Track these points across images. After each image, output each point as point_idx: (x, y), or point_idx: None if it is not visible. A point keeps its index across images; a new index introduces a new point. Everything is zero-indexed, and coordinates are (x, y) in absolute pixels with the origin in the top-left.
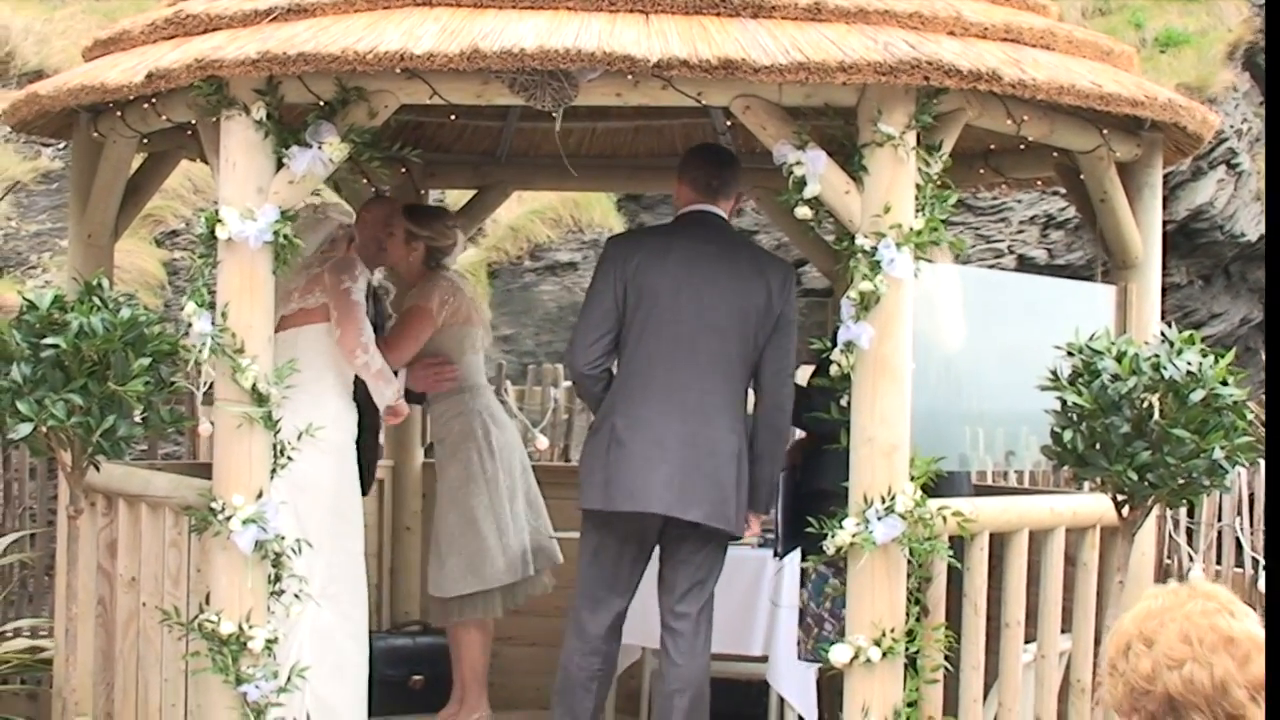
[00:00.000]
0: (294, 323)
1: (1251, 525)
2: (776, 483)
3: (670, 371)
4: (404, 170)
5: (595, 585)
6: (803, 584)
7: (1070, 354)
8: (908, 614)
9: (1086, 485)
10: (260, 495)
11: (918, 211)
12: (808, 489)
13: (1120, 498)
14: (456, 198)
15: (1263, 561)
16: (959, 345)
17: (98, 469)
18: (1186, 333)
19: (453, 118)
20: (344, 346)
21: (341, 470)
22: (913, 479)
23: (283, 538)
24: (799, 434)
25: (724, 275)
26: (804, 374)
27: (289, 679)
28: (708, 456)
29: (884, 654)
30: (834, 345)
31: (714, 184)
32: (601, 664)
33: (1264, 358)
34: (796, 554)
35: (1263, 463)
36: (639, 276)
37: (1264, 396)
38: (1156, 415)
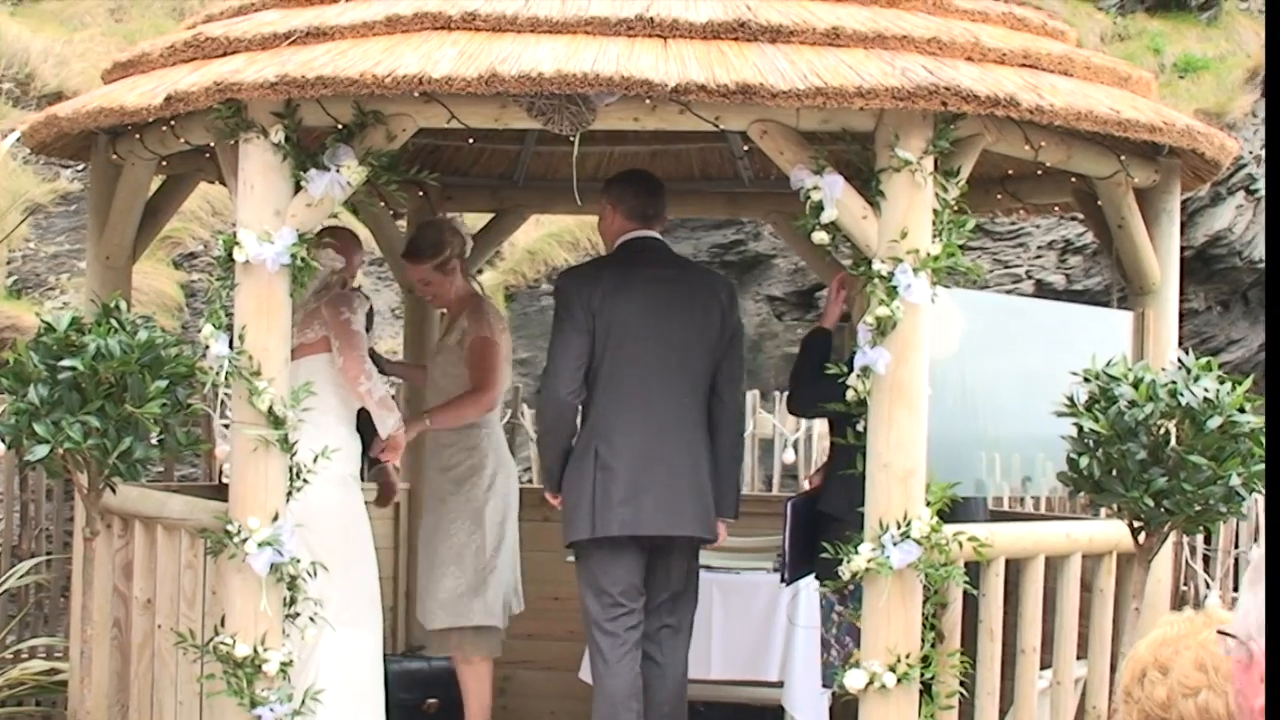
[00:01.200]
0: (295, 356)
1: None
2: (740, 486)
3: (646, 394)
4: (421, 194)
5: (602, 612)
6: (821, 607)
7: (1087, 380)
8: (923, 640)
9: (1103, 511)
10: (276, 518)
11: (935, 237)
12: (820, 510)
13: (1136, 524)
14: (474, 221)
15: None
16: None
17: (114, 491)
18: (1203, 359)
19: (470, 141)
20: (348, 375)
21: (348, 499)
22: (929, 504)
23: (298, 560)
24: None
25: (683, 297)
26: None
27: (304, 702)
28: (691, 472)
29: (899, 680)
30: (849, 370)
31: (649, 213)
32: (636, 683)
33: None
34: (811, 577)
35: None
36: (606, 308)
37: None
38: (1173, 442)
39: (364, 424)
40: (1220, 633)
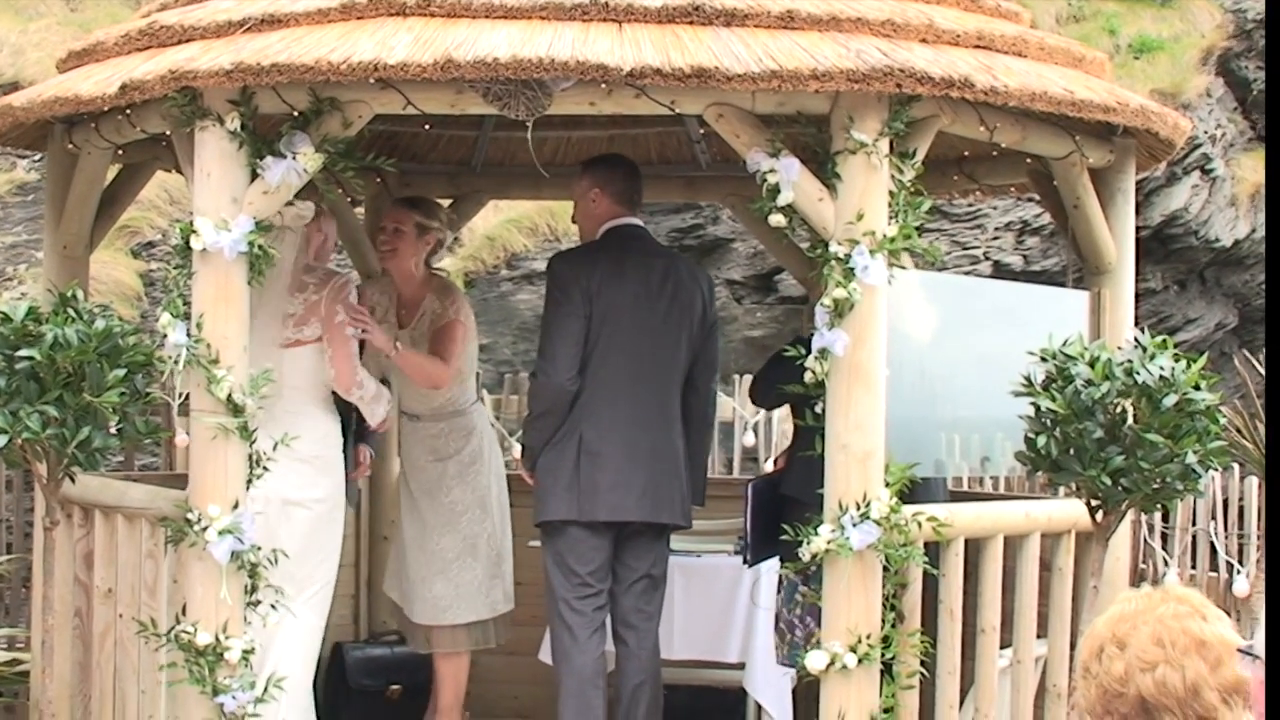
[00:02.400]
0: (292, 344)
1: (1225, 530)
2: (706, 473)
3: (635, 383)
4: (379, 180)
5: (570, 591)
6: (779, 589)
7: (1044, 359)
8: (883, 620)
9: (1061, 490)
10: (236, 506)
11: (891, 218)
12: (782, 494)
13: (1094, 503)
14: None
15: (1236, 565)
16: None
17: (73, 480)
18: (1159, 338)
19: (427, 127)
20: (339, 385)
21: (334, 486)
22: (888, 485)
23: (259, 548)
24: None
25: (672, 287)
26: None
27: (266, 689)
28: (672, 460)
29: (860, 660)
30: (808, 352)
31: (635, 198)
32: (601, 662)
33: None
34: (774, 560)
35: (1237, 467)
36: (603, 294)
37: (1239, 400)
38: (1130, 420)
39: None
40: (1241, 651)
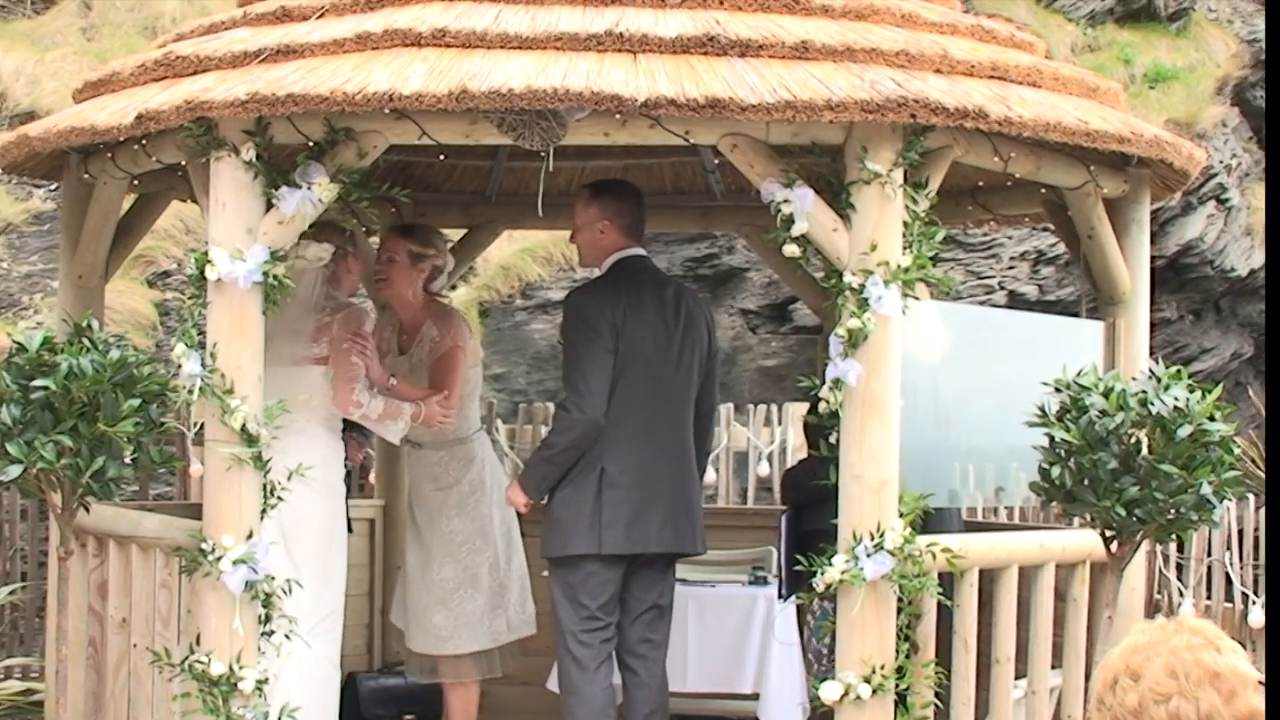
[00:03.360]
0: (300, 362)
1: (1241, 560)
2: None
3: (656, 415)
4: (394, 210)
5: (579, 624)
6: (803, 621)
7: (1058, 390)
8: (897, 651)
9: (1076, 521)
10: (250, 536)
11: (905, 248)
12: (806, 529)
13: (1109, 533)
14: (447, 237)
15: (1252, 596)
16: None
17: (88, 510)
18: (1173, 368)
19: (442, 157)
20: (337, 404)
21: (333, 508)
22: (902, 515)
23: (273, 578)
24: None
25: (684, 320)
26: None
27: (280, 718)
28: (692, 491)
29: (874, 691)
30: (822, 382)
31: (639, 228)
32: (610, 692)
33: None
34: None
35: (1252, 498)
36: (627, 327)
37: (1254, 430)
38: (1144, 451)
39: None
40: (1262, 684)
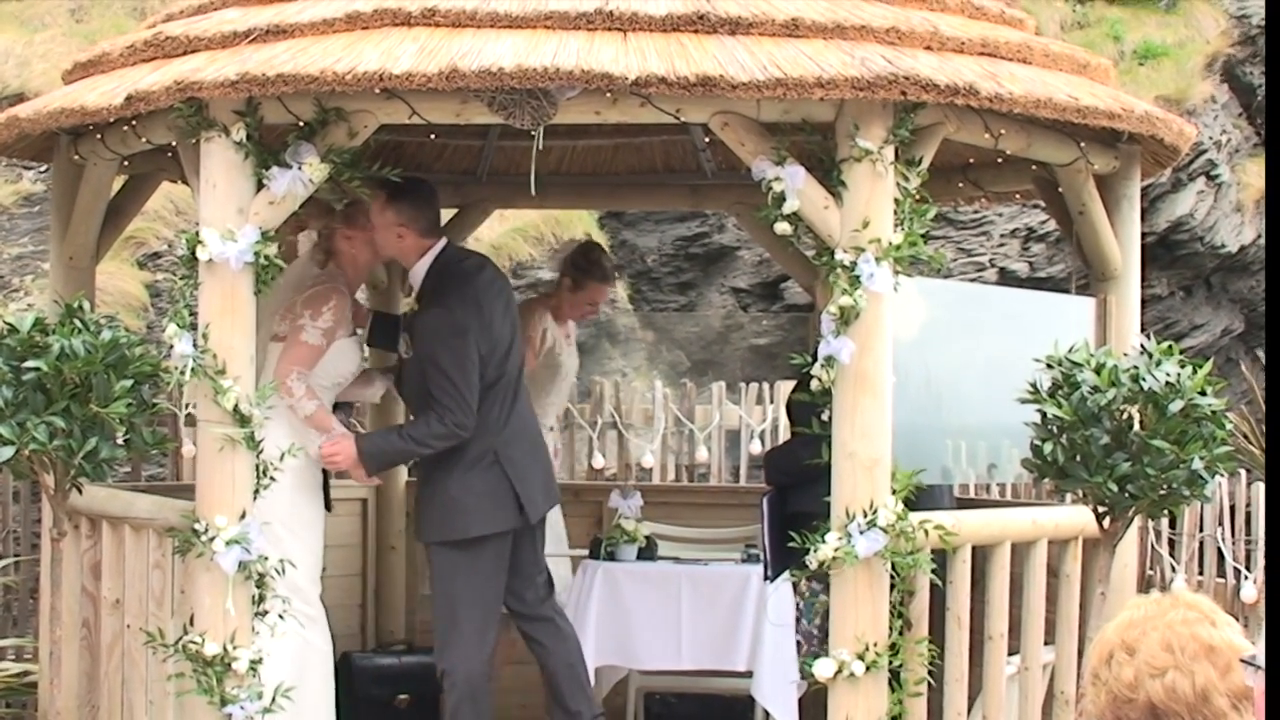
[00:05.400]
0: (271, 340)
1: (1233, 535)
2: None
3: (515, 395)
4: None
5: (491, 603)
6: (796, 600)
7: (1049, 366)
8: (891, 628)
9: (1068, 497)
10: (243, 516)
11: (897, 226)
12: (792, 510)
13: (1101, 509)
14: None
15: (1244, 571)
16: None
17: (80, 491)
18: (1165, 344)
19: (432, 137)
20: (277, 374)
21: (301, 489)
22: (894, 493)
23: (265, 558)
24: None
25: (509, 292)
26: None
27: (274, 700)
28: (547, 453)
29: (867, 668)
30: (814, 360)
31: (438, 221)
32: (489, 667)
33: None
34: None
35: (1244, 473)
36: (491, 328)
37: (1245, 405)
38: (1136, 426)
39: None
40: (1244, 661)
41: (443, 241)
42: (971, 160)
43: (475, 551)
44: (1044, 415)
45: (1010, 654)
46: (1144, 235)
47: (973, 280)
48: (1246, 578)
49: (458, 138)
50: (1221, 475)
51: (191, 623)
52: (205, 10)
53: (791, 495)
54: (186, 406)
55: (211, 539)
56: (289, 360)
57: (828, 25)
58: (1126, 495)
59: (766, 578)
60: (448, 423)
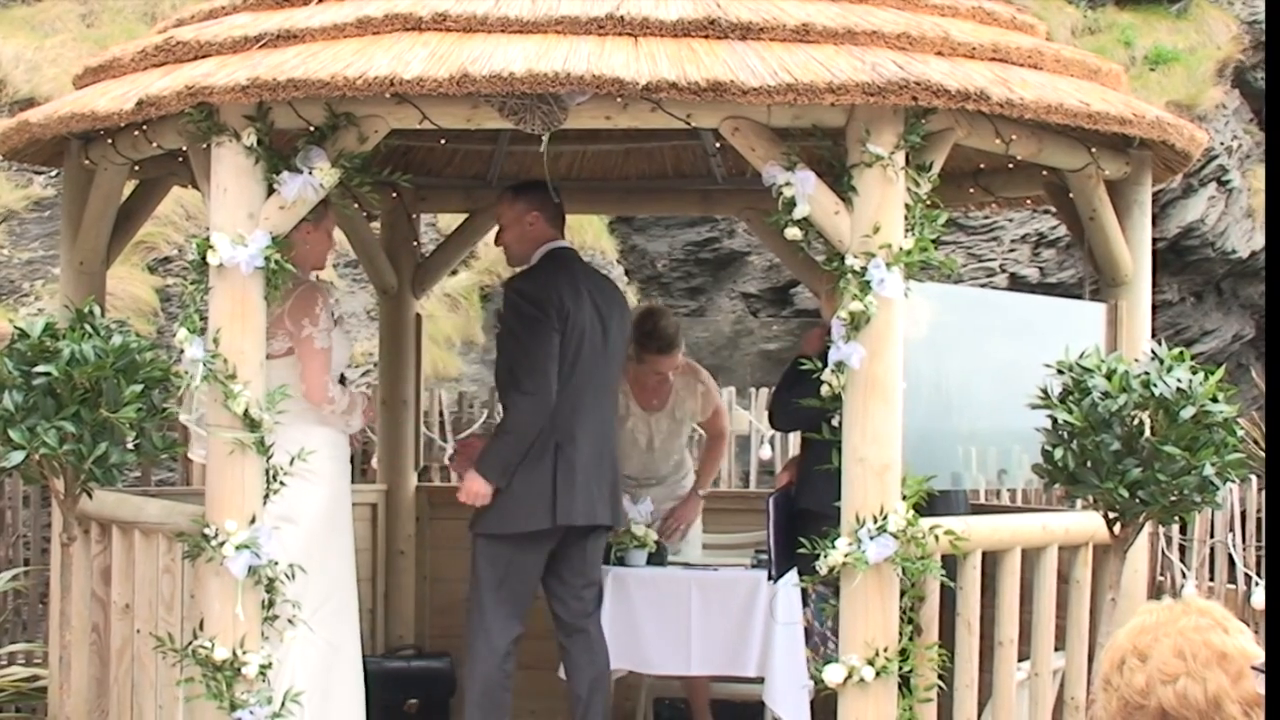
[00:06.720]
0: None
1: (1244, 542)
2: None
3: (594, 397)
4: (395, 195)
5: (512, 602)
6: (805, 603)
7: (1060, 372)
8: (901, 633)
9: (1079, 503)
10: (253, 521)
11: (907, 231)
12: (795, 509)
13: (1112, 515)
14: (448, 222)
15: (1255, 577)
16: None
17: (90, 496)
18: (1176, 350)
19: (443, 142)
20: (311, 399)
21: (335, 499)
22: (904, 498)
23: (276, 563)
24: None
25: (613, 307)
26: None
27: (283, 704)
28: (618, 467)
29: (877, 673)
30: (825, 365)
31: (562, 222)
32: (511, 668)
33: (1264, 366)
34: (792, 573)
35: (1255, 479)
36: (573, 314)
37: (1256, 411)
38: (1147, 432)
39: None
40: (1255, 668)
41: (565, 242)
42: (982, 165)
43: (498, 547)
44: (1055, 421)
45: (1020, 660)
46: (1155, 241)
47: (983, 285)
48: (1257, 584)
49: (468, 143)
50: (1232, 481)
51: (201, 627)
52: (216, 15)
53: (799, 494)
54: (194, 410)
55: (221, 544)
56: (317, 372)
57: (838, 30)
58: (1137, 501)
59: (770, 577)
60: (525, 390)
